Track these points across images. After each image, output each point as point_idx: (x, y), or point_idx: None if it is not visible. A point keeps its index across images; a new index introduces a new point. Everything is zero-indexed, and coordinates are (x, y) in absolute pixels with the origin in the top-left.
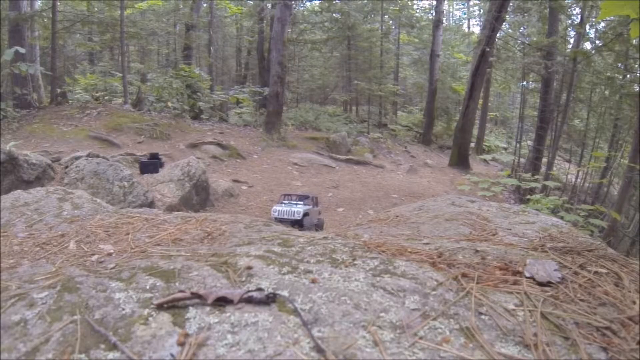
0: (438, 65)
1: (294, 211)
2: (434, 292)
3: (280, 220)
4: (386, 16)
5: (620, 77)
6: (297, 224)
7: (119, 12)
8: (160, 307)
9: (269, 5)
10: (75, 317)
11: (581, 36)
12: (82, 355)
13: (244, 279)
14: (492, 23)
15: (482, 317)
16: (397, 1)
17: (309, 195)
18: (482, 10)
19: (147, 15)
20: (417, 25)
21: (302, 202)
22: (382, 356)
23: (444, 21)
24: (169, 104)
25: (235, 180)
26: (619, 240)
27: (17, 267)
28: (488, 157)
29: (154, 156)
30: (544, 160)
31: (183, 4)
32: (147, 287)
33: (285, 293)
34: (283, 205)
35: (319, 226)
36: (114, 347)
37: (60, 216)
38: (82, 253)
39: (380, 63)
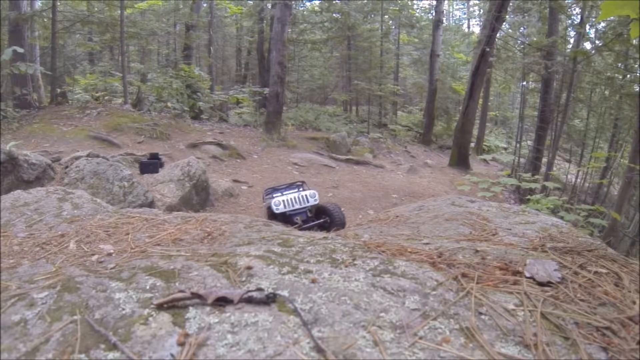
0: (438, 65)
1: (306, 196)
2: (434, 292)
3: (289, 215)
4: (386, 16)
5: (620, 77)
6: (317, 214)
7: (119, 12)
8: (160, 307)
9: (269, 5)
10: (75, 317)
11: (581, 36)
12: (82, 355)
13: (244, 279)
14: (492, 23)
15: (482, 317)
16: (397, 1)
17: (303, 181)
18: (482, 10)
19: (147, 15)
20: (417, 25)
21: (301, 188)
22: (382, 356)
23: (444, 21)
24: (169, 104)
25: (235, 180)
26: (619, 240)
27: (17, 267)
28: (488, 157)
29: (154, 156)
30: (544, 160)
31: (183, 4)
32: (147, 287)
33: (285, 293)
34: (282, 194)
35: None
36: (114, 347)
37: (60, 216)
38: (82, 253)
39: (380, 63)
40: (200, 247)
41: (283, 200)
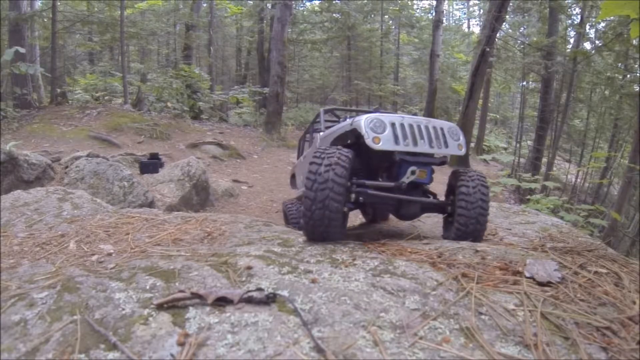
0: (438, 65)
1: (443, 130)
2: (434, 292)
3: (400, 160)
4: (386, 16)
5: (620, 77)
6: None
7: (119, 12)
8: (160, 307)
9: (269, 5)
10: (75, 317)
11: (581, 36)
12: (82, 355)
13: (244, 279)
14: (492, 23)
15: (482, 317)
16: (397, 1)
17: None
18: (482, 10)
19: (147, 15)
20: (417, 25)
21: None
22: (382, 356)
23: (444, 21)
24: (169, 104)
25: (235, 180)
26: (619, 240)
27: (17, 267)
28: (488, 157)
29: (154, 156)
30: (544, 160)
31: (183, 4)
32: (147, 287)
33: (285, 293)
34: (389, 115)
35: None
36: (114, 347)
37: (60, 216)
38: (82, 253)
39: (380, 63)
40: (200, 247)
41: (394, 124)
